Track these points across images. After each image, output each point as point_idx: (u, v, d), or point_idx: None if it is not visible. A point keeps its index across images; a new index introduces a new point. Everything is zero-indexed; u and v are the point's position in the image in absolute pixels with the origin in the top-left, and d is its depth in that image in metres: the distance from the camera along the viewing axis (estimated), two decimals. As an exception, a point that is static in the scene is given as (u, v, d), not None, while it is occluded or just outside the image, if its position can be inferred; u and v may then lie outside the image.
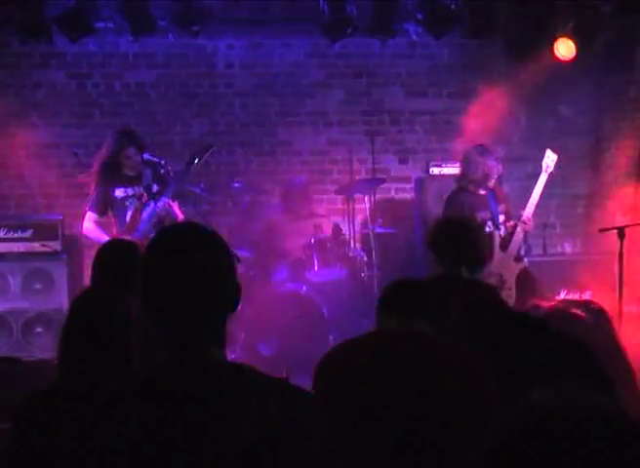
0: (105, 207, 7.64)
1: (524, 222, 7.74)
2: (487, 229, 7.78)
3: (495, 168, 7.86)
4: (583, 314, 4.06)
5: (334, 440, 2.37)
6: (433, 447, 3.17)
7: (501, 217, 7.85)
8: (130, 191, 7.59)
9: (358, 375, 3.25)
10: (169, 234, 2.41)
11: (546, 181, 7.83)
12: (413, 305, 3.43)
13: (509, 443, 1.47)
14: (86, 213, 7.71)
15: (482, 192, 7.87)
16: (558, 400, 1.53)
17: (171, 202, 7.57)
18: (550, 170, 7.86)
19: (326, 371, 3.34)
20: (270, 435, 2.11)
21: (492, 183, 7.87)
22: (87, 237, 7.90)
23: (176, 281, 2.22)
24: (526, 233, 8.06)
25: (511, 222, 7.85)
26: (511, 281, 7.53)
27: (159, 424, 2.11)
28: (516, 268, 7.63)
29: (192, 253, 2.26)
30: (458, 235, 5.25)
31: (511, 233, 7.78)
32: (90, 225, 7.65)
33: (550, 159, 7.88)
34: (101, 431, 2.12)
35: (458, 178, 8.03)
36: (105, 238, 7.42)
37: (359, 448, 3.16)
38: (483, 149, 7.92)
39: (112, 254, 4.74)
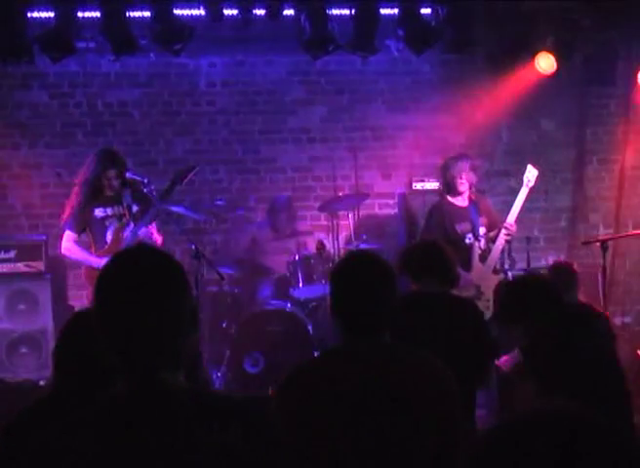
0: (84, 226, 7.58)
1: (506, 228, 7.80)
2: (467, 241, 7.83)
3: (465, 172, 7.95)
4: None
5: (297, 462, 2.36)
6: (404, 453, 3.19)
7: (482, 230, 7.91)
8: (109, 211, 7.55)
9: (325, 391, 3.25)
10: (123, 258, 2.38)
11: (527, 195, 7.88)
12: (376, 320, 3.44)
13: (496, 450, 1.50)
14: (63, 232, 7.66)
15: (462, 204, 7.94)
16: (550, 412, 1.55)
17: (152, 229, 7.56)
18: (531, 184, 7.93)
19: (291, 391, 3.33)
20: (231, 460, 2.11)
21: (465, 189, 7.95)
22: (67, 257, 7.86)
23: (131, 306, 2.21)
24: (509, 245, 8.10)
25: (494, 232, 7.92)
26: (489, 292, 7.58)
27: (116, 454, 2.10)
28: (495, 280, 7.68)
29: (147, 278, 2.25)
30: (424, 253, 5.28)
31: (492, 241, 7.85)
32: (70, 245, 7.56)
33: (531, 174, 7.94)
34: (62, 461, 2.11)
35: (439, 187, 8.20)
36: (89, 258, 7.39)
37: (329, 463, 3.18)
38: (458, 154, 8.22)
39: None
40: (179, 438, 2.11)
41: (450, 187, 8.01)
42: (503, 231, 7.82)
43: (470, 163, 8.08)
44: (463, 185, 7.96)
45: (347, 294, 3.42)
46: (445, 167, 8.06)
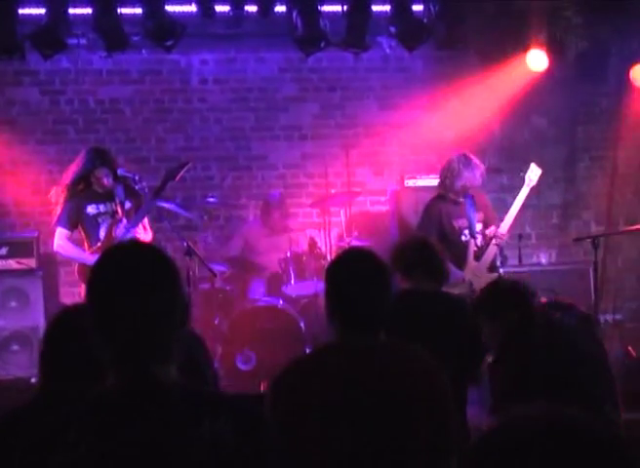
0: (76, 223, 7.58)
1: (498, 237, 7.72)
2: (463, 238, 7.79)
3: (475, 180, 7.82)
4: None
5: (289, 456, 2.36)
6: (398, 448, 3.20)
7: (479, 226, 7.84)
8: (102, 208, 7.54)
9: (319, 387, 3.25)
10: (115, 254, 2.41)
11: (527, 195, 7.85)
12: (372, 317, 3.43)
13: (489, 452, 1.50)
14: (55, 229, 7.65)
15: (460, 200, 7.86)
16: (538, 415, 1.55)
17: (144, 226, 7.56)
18: (533, 183, 7.86)
19: (285, 386, 3.32)
20: (223, 455, 2.11)
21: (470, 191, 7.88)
22: (60, 254, 7.84)
23: (123, 301, 2.22)
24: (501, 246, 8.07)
25: (490, 230, 7.82)
26: None
27: (109, 449, 2.10)
28: (488, 278, 7.63)
29: (139, 273, 2.27)
30: (415, 250, 5.27)
31: (487, 243, 7.80)
32: (63, 242, 7.56)
33: (534, 173, 7.87)
34: (54, 457, 2.11)
35: (438, 185, 8.03)
36: (83, 255, 7.39)
37: (323, 459, 3.18)
38: (467, 161, 7.88)
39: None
40: (170, 433, 2.12)
41: (456, 192, 7.84)
42: (494, 241, 7.74)
43: (480, 169, 7.87)
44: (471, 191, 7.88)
45: (343, 291, 3.41)
46: (455, 175, 7.76)
